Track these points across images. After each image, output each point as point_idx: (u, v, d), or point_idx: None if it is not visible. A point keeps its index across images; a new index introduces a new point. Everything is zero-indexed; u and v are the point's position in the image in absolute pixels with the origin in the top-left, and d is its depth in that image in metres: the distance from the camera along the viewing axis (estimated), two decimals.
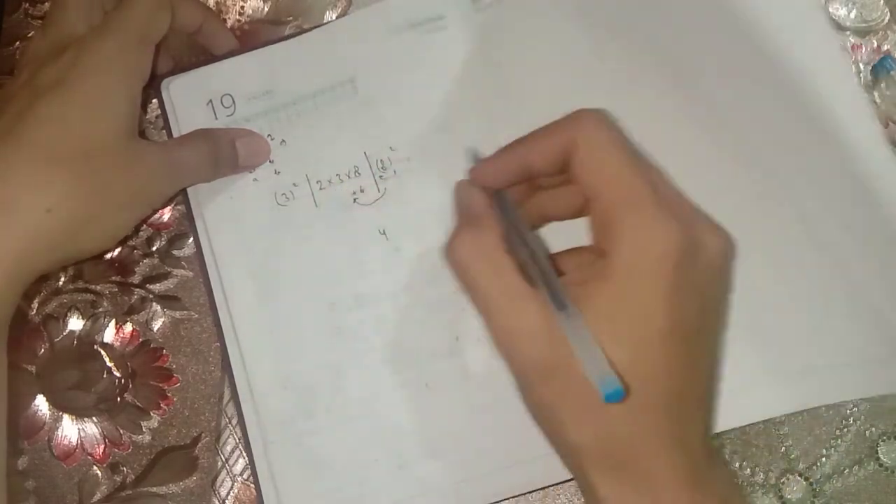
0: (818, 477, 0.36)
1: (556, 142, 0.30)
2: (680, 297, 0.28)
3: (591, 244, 0.31)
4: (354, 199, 0.38)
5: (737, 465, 0.36)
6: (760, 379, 0.35)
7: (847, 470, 0.36)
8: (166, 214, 0.40)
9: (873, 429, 0.36)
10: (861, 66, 0.39)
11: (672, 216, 0.28)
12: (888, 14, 0.39)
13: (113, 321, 0.39)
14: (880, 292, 0.35)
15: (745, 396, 0.35)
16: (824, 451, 0.36)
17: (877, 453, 0.36)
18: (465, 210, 0.32)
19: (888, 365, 0.35)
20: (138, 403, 0.38)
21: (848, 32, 0.39)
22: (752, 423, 0.35)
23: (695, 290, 0.28)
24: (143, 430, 0.38)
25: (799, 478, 0.36)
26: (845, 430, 0.36)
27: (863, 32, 0.39)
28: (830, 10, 0.39)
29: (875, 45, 0.39)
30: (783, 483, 0.36)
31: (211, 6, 0.42)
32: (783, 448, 0.36)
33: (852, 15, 0.39)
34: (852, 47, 0.39)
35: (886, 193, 0.36)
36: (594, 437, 0.28)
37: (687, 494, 0.28)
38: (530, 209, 0.34)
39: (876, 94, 0.38)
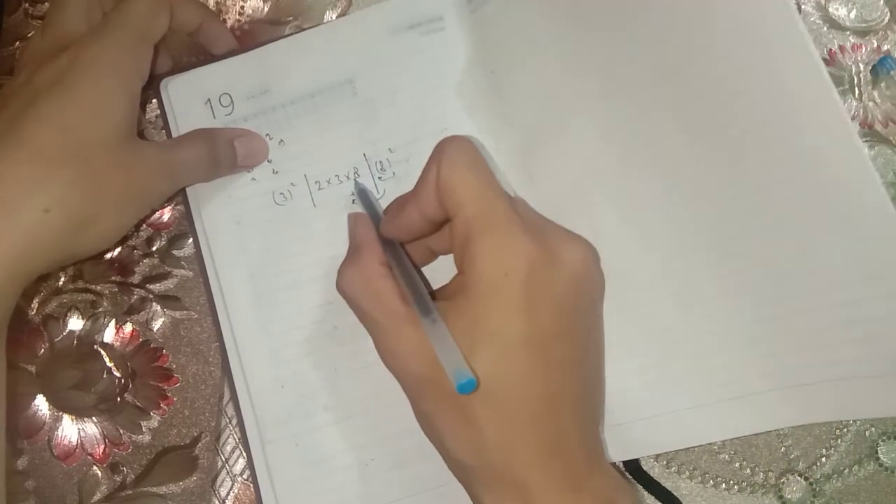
0: (818, 477, 0.36)
1: (430, 177, 0.31)
2: (534, 308, 0.29)
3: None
4: (353, 200, 0.38)
5: (737, 465, 0.36)
6: (761, 391, 0.34)
7: (847, 470, 0.36)
8: (166, 214, 0.40)
9: (873, 429, 0.36)
10: (861, 66, 0.39)
11: (523, 231, 0.29)
12: (888, 14, 0.39)
13: (113, 321, 0.39)
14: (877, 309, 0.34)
15: (744, 408, 0.34)
16: (824, 451, 0.36)
17: (877, 453, 0.36)
18: (351, 240, 0.35)
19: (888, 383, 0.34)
20: (138, 403, 0.39)
21: (848, 32, 0.39)
22: None
23: (551, 300, 0.29)
24: (143, 430, 0.38)
25: (799, 478, 0.36)
26: (845, 430, 0.36)
27: (863, 32, 0.39)
28: (830, 10, 0.39)
29: (875, 45, 0.39)
30: (783, 483, 0.36)
31: (211, 6, 0.42)
32: (783, 448, 0.36)
33: (852, 15, 0.39)
34: (852, 47, 0.39)
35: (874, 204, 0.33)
36: (471, 450, 0.29)
37: (565, 497, 0.28)
38: (419, 245, 0.35)
39: (876, 94, 0.38)
